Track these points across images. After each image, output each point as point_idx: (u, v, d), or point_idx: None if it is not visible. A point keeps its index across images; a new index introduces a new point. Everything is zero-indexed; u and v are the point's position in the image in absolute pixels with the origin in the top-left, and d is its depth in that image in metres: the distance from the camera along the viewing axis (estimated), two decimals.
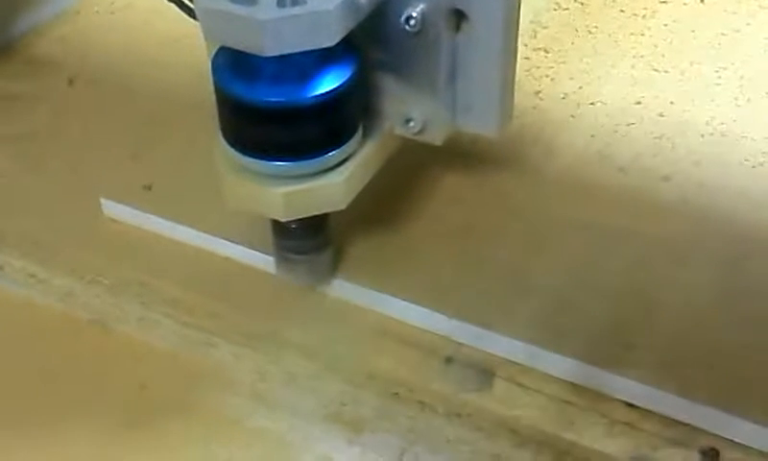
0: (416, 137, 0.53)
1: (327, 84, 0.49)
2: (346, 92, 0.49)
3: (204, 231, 0.60)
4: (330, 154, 0.50)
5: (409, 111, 0.52)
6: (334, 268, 0.57)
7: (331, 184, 0.51)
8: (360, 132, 0.52)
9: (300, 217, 0.52)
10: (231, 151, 0.51)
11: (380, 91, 0.53)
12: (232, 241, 0.59)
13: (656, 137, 0.66)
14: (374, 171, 0.53)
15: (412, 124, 0.53)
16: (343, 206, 0.52)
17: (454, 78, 0.52)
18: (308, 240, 0.55)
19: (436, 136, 0.53)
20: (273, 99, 0.48)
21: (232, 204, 0.52)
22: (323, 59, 0.48)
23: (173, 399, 0.54)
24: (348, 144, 0.51)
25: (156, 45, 0.77)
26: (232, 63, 0.49)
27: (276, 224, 0.55)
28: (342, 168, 0.51)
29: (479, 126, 0.53)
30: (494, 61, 0.51)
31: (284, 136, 0.49)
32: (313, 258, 0.56)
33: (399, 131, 0.53)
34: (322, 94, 0.48)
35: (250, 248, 0.59)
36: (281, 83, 0.48)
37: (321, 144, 0.50)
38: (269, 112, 0.48)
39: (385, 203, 0.61)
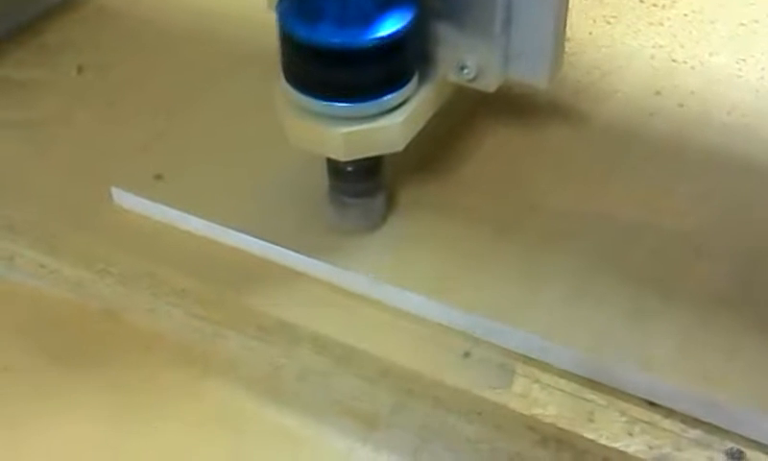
0: (469, 84, 0.55)
1: (388, 26, 0.50)
2: (405, 35, 0.51)
3: (216, 222, 0.59)
4: (389, 96, 0.52)
5: (464, 58, 0.54)
6: (386, 214, 0.59)
7: (390, 126, 0.52)
8: (417, 77, 0.53)
9: (359, 157, 0.54)
10: (293, 92, 0.52)
11: (436, 38, 0.54)
12: (245, 232, 0.58)
13: (676, 128, 0.65)
14: (430, 116, 0.55)
15: (466, 71, 0.54)
16: (400, 148, 0.53)
17: (509, 25, 0.53)
18: (363, 183, 0.57)
19: (489, 83, 0.55)
20: (335, 40, 0.50)
21: (294, 143, 0.54)
22: (383, 2, 0.50)
23: (182, 391, 0.53)
24: (406, 87, 0.53)
25: (168, 33, 0.76)
26: (296, 7, 0.51)
27: (331, 166, 0.56)
28: (400, 111, 0.53)
29: (531, 74, 0.55)
30: (548, 9, 0.52)
31: (345, 78, 0.51)
32: (367, 202, 0.57)
33: (454, 77, 0.55)
34: (383, 36, 0.50)
35: (262, 239, 0.58)
36: (344, 25, 0.50)
37: (380, 86, 0.52)
38: (332, 54, 0.50)
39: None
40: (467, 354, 0.53)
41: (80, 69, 0.73)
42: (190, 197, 0.60)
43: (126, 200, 0.61)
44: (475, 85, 0.55)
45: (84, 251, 0.59)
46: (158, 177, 0.62)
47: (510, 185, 0.61)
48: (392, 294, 0.55)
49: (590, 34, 0.74)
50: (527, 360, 0.52)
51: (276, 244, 0.57)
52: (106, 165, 0.64)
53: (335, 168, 0.56)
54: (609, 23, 0.76)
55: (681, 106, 0.67)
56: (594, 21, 0.75)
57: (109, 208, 0.62)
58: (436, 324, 0.54)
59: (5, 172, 0.65)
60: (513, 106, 0.67)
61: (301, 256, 0.57)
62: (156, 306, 0.57)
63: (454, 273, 0.56)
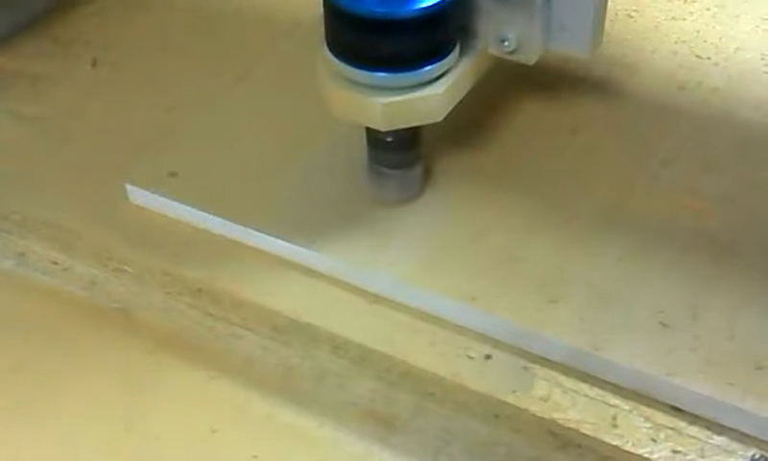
0: (510, 57, 0.56)
1: None
2: (448, 7, 0.52)
3: (232, 220, 0.58)
4: (430, 67, 0.53)
5: (505, 31, 0.55)
6: (423, 185, 0.60)
7: (430, 96, 0.53)
8: (457, 48, 0.54)
9: (398, 128, 0.54)
10: (335, 61, 0.53)
11: (477, 11, 0.55)
12: (261, 231, 0.57)
13: (700, 126, 0.64)
14: (469, 88, 0.56)
15: (507, 43, 0.55)
16: (440, 118, 0.54)
17: None
18: (401, 154, 0.57)
19: (530, 56, 0.56)
20: (380, 10, 0.51)
21: (335, 113, 0.55)
22: None
23: (197, 391, 0.52)
24: (446, 59, 0.53)
25: (183, 29, 0.76)
26: None
27: (371, 137, 0.57)
28: (440, 81, 0.54)
29: (572, 46, 0.56)
30: None
31: (387, 48, 0.52)
32: (404, 173, 0.58)
33: (494, 50, 0.56)
34: (426, 7, 0.51)
35: (278, 238, 0.57)
36: None
37: (422, 57, 0.52)
38: (375, 24, 0.51)
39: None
40: (488, 357, 0.52)
41: (94, 63, 0.73)
42: (205, 194, 0.59)
43: (140, 197, 0.61)
44: (515, 58, 0.55)
45: (97, 248, 0.59)
46: (173, 174, 0.61)
47: (528, 183, 0.60)
48: (413, 296, 0.54)
49: (612, 27, 0.73)
50: (548, 364, 0.51)
51: (295, 243, 0.57)
52: (120, 161, 0.63)
53: (374, 139, 0.57)
54: (630, 17, 0.74)
55: (705, 102, 0.66)
56: (616, 15, 0.74)
57: (124, 205, 0.61)
58: (457, 326, 0.53)
59: (17, 167, 0.64)
60: (544, 84, 0.66)
61: (321, 256, 0.56)
62: (171, 306, 0.56)
63: (476, 274, 0.55)
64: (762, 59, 0.70)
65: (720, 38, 0.72)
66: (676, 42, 0.72)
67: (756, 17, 0.74)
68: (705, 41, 0.72)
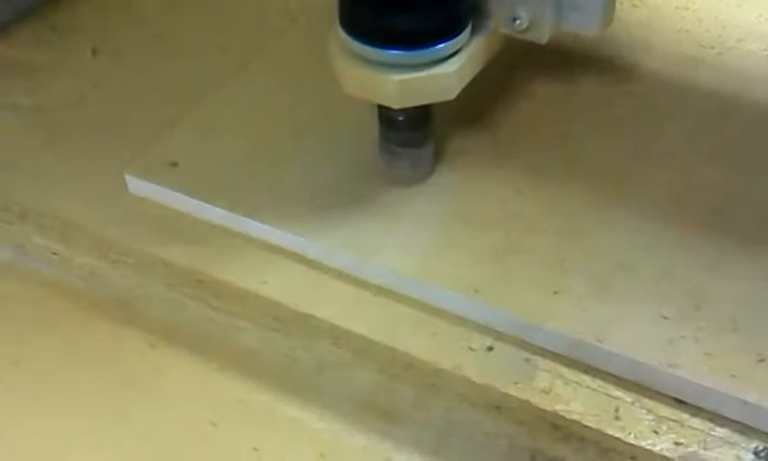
0: (521, 36, 0.56)
1: None
2: None
3: (234, 211, 0.58)
4: (443, 45, 0.53)
5: (517, 10, 0.55)
6: (434, 164, 0.60)
7: (443, 74, 0.54)
8: (470, 27, 0.55)
9: (412, 105, 0.55)
10: (349, 39, 0.54)
11: None
12: (262, 221, 0.57)
13: (704, 118, 0.64)
14: (481, 66, 0.57)
15: (518, 22, 0.55)
16: (452, 96, 0.55)
17: None
18: (413, 132, 0.58)
19: (542, 35, 0.56)
20: None
21: (349, 91, 0.55)
22: None
23: (197, 383, 0.52)
24: (459, 37, 0.54)
25: (184, 17, 0.75)
26: None
27: (383, 116, 0.58)
28: (453, 60, 0.54)
29: (583, 24, 0.56)
30: None
31: (401, 26, 0.52)
32: (416, 152, 0.59)
33: (506, 29, 0.56)
34: None
35: (280, 229, 0.57)
36: None
37: (435, 35, 0.53)
38: (388, 1, 0.52)
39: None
40: (490, 349, 0.52)
41: (94, 52, 0.72)
42: (207, 185, 0.59)
43: (140, 187, 0.60)
44: (527, 37, 0.56)
45: (97, 239, 0.59)
46: (174, 164, 0.61)
47: (531, 180, 0.60)
48: (415, 287, 0.54)
49: (616, 17, 0.73)
50: (550, 355, 0.51)
51: (296, 233, 0.56)
52: (120, 151, 0.63)
53: (386, 117, 0.57)
54: (634, 6, 0.74)
55: (708, 92, 0.66)
56: (621, 4, 0.74)
57: (124, 196, 0.61)
58: (459, 317, 0.53)
59: (17, 157, 0.64)
60: (554, 64, 0.67)
61: (323, 249, 0.56)
62: (171, 297, 0.56)
63: (480, 265, 0.54)
64: (765, 49, 0.69)
65: (723, 28, 0.72)
66: (679, 32, 0.71)
67: (760, 7, 0.74)
68: (708, 31, 0.72)
